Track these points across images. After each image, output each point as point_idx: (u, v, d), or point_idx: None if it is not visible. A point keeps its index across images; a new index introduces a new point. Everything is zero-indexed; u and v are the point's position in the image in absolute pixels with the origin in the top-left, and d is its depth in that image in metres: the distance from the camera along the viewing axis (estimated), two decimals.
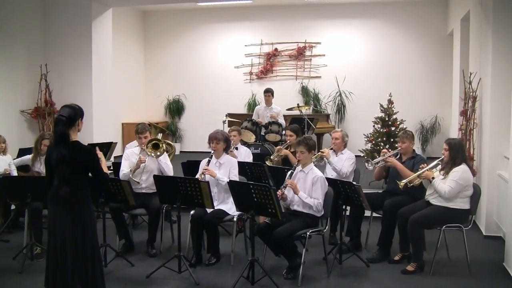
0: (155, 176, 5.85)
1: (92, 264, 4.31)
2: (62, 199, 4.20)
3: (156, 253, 6.31)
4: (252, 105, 13.94)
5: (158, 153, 6.38)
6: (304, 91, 13.88)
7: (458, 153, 5.68)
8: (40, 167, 6.67)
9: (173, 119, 14.62)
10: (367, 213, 6.42)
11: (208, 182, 5.49)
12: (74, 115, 4.29)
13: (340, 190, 5.78)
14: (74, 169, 4.20)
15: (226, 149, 6.40)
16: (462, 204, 5.61)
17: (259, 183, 5.48)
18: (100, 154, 4.63)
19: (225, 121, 10.74)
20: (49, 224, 4.36)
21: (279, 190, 5.46)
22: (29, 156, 7.05)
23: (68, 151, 4.17)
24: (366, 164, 6.49)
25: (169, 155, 7.18)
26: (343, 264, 5.92)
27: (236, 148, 7.59)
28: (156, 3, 12.98)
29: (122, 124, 13.30)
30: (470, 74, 7.77)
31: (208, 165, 6.19)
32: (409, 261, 5.84)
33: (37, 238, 6.18)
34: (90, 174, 4.39)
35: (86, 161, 4.28)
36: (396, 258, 6.00)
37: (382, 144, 9.10)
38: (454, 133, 9.82)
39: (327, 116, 13.07)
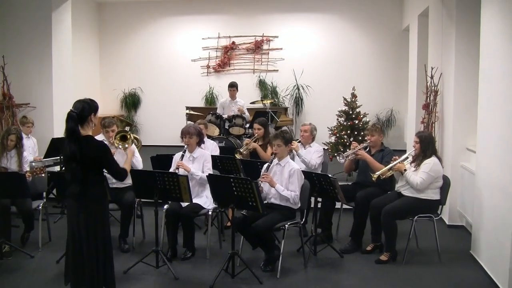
0: (131, 171, 5.78)
1: (103, 260, 4.34)
2: (73, 195, 4.25)
3: (129, 248, 6.25)
4: (209, 99, 13.90)
5: (126, 145, 6.29)
6: (262, 84, 13.91)
7: (429, 145, 5.90)
8: (7, 163, 6.47)
9: (129, 112, 14.37)
10: (338, 204, 6.55)
11: (187, 176, 5.48)
12: (87, 111, 4.28)
13: (315, 183, 5.87)
14: (85, 165, 4.20)
15: (199, 143, 6.39)
16: (433, 195, 5.82)
17: (240, 177, 5.51)
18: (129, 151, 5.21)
19: (187, 114, 10.69)
20: (67, 218, 4.40)
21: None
22: None
23: (78, 147, 4.16)
24: (338, 157, 6.62)
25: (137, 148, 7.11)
26: (318, 255, 6.04)
27: (203, 142, 7.56)
28: None
29: None
30: (432, 68, 7.99)
31: (181, 160, 6.17)
32: (380, 251, 6.03)
33: (6, 236, 6.01)
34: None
35: (98, 157, 4.26)
36: (368, 248, 6.17)
37: (345, 137, 9.25)
38: (411, 126, 10.11)
39: (285, 109, 13.17)
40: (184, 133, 6.31)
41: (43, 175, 6.27)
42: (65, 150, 4.27)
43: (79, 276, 4.30)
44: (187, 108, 11.39)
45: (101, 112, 12.43)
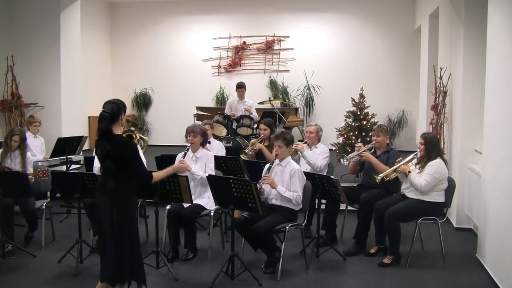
0: None
1: (130, 256, 4.43)
2: (107, 192, 4.35)
3: None
4: (220, 99, 13.90)
5: None
6: (273, 84, 13.88)
7: (434, 147, 5.80)
8: (11, 164, 6.47)
9: (140, 112, 14.43)
10: (342, 206, 6.48)
11: (187, 177, 5.46)
12: (117, 110, 4.40)
13: (317, 184, 5.81)
14: (117, 163, 4.33)
15: (203, 143, 6.35)
16: (438, 197, 5.72)
17: (240, 178, 5.47)
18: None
19: (195, 114, 10.66)
20: (97, 212, 4.54)
21: (257, 184, 5.44)
22: None
23: (111, 145, 4.29)
24: (342, 159, 6.55)
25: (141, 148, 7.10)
26: (320, 258, 5.98)
27: (209, 142, 7.53)
28: None
29: (89, 117, 13.05)
30: (441, 69, 7.89)
31: (184, 158, 6.14)
32: (384, 254, 5.94)
33: (9, 235, 6.02)
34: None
35: (126, 155, 4.34)
36: (372, 251, 6.09)
37: (353, 138, 9.16)
38: (422, 127, 10.00)
39: (296, 109, 13.10)
40: (189, 132, 6.29)
41: (46, 178, 6.27)
42: (98, 150, 4.42)
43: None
44: (197, 108, 11.37)
45: None
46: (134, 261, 4.48)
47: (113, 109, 4.36)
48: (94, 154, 6.68)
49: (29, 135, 7.78)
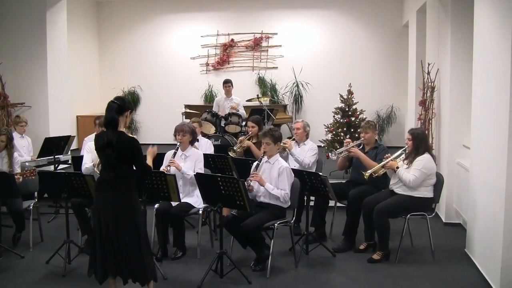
0: None
1: (138, 253, 4.39)
2: (105, 182, 4.35)
3: None
4: (209, 96, 13.84)
5: None
6: (261, 82, 13.85)
7: (422, 142, 5.81)
8: None
9: None
10: (331, 203, 6.48)
11: (174, 175, 5.44)
12: (123, 104, 4.42)
13: (306, 181, 5.80)
14: (118, 157, 4.30)
15: (192, 142, 6.32)
16: (426, 192, 5.73)
17: (227, 176, 5.45)
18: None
19: (184, 112, 10.63)
20: (93, 213, 4.57)
21: (245, 182, 5.42)
22: None
23: (115, 137, 4.28)
24: (330, 154, 6.53)
25: None
26: (310, 255, 5.97)
27: (197, 140, 7.50)
28: None
29: (77, 116, 12.97)
30: (428, 64, 7.90)
31: (173, 157, 6.11)
32: (374, 250, 5.94)
33: None
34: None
35: (130, 150, 4.35)
36: (362, 247, 6.09)
37: (342, 134, 9.17)
38: (411, 123, 10.02)
39: (284, 106, 13.08)
40: (178, 131, 6.26)
41: (33, 177, 6.21)
42: (100, 140, 4.38)
43: (108, 268, 4.42)
44: (185, 106, 11.34)
45: (100, 111, 12.44)
46: (131, 259, 4.43)
47: (121, 102, 4.41)
48: (82, 153, 6.69)
49: (15, 135, 7.69)
